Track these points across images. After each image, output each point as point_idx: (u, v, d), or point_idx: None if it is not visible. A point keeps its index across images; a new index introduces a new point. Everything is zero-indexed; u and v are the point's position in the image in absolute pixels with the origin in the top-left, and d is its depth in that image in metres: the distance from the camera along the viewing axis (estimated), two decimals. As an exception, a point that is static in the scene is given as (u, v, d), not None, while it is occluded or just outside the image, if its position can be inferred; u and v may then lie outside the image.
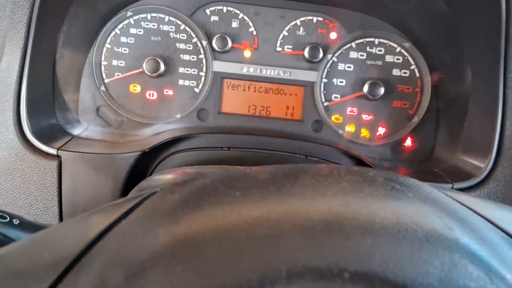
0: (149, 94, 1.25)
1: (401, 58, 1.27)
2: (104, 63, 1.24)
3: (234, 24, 1.26)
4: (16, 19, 1.01)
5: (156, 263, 0.34)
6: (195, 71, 1.26)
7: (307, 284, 0.30)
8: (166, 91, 1.26)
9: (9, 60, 1.03)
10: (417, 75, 1.27)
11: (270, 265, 0.31)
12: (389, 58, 1.27)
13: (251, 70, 1.25)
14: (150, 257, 0.35)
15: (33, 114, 1.05)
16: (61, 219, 1.05)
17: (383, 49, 1.27)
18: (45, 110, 1.12)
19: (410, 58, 1.27)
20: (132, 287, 0.33)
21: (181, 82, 1.26)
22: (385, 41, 1.26)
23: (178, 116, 1.25)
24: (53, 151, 1.03)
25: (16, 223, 0.67)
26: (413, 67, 1.27)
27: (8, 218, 0.66)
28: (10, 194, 1.03)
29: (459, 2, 1.08)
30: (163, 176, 0.99)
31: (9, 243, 0.65)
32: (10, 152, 1.02)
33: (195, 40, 1.25)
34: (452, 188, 1.04)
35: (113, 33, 1.24)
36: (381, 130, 1.28)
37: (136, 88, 1.25)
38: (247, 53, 1.26)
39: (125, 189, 1.06)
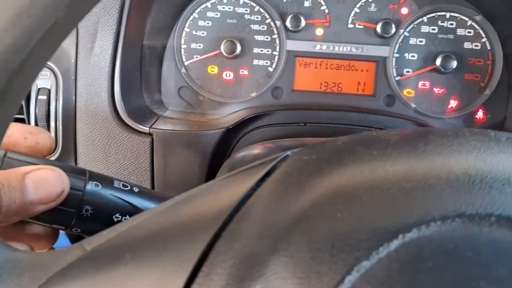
0: (226, 75, 1.31)
1: (472, 31, 1.27)
2: (183, 46, 1.30)
3: (307, 3, 1.29)
4: (109, 5, 1.09)
5: (317, 211, 0.39)
6: (269, 51, 1.30)
7: (458, 226, 0.35)
8: (242, 71, 1.30)
9: (102, 45, 1.10)
10: (488, 47, 1.27)
11: (424, 211, 0.36)
12: (460, 32, 1.27)
13: (324, 47, 1.29)
14: (309, 207, 0.40)
15: (125, 96, 1.13)
16: (153, 192, 1.13)
17: (454, 23, 1.27)
18: (135, 92, 1.20)
19: (481, 31, 1.27)
20: (296, 233, 0.38)
21: (255, 62, 1.30)
22: (456, 15, 1.27)
23: (253, 94, 1.30)
24: (145, 129, 1.11)
25: (137, 190, 0.72)
26: (484, 39, 1.27)
27: (129, 187, 0.71)
28: (106, 171, 1.12)
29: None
30: (250, 152, 1.05)
31: (134, 209, 0.71)
32: (106, 131, 1.11)
33: (268, 20, 1.29)
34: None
35: (191, 17, 1.29)
36: (453, 103, 1.29)
37: (214, 69, 1.31)
38: (319, 31, 1.29)
39: (211, 164, 1.13)
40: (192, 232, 0.42)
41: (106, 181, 0.67)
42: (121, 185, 0.70)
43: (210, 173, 1.13)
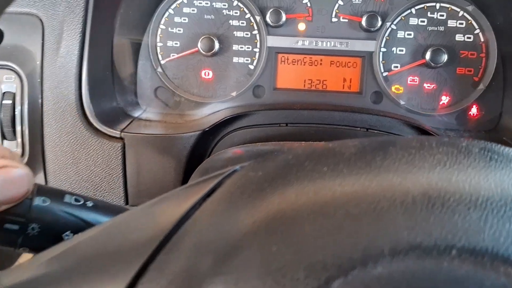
0: (205, 73, 1.25)
1: (464, 22, 1.20)
2: (159, 44, 1.24)
3: None
4: (73, 2, 1.03)
5: (250, 242, 0.33)
6: (249, 48, 1.24)
7: (412, 262, 0.29)
8: (221, 69, 1.25)
9: (69, 45, 1.04)
10: (482, 39, 1.20)
11: (372, 243, 0.30)
12: (451, 23, 1.20)
13: (306, 43, 1.23)
14: (243, 236, 0.34)
15: (94, 98, 1.07)
16: (126, 200, 1.07)
17: (445, 14, 1.20)
18: (106, 93, 1.14)
19: (474, 22, 1.20)
20: (225, 268, 0.32)
21: (235, 59, 1.24)
22: (447, 5, 1.20)
23: (234, 94, 1.25)
24: (116, 133, 1.05)
25: (90, 205, 0.67)
26: (477, 31, 1.20)
27: (82, 201, 0.66)
28: (76, 177, 1.07)
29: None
30: (224, 156, 0.99)
31: (87, 226, 0.66)
32: (74, 136, 1.05)
33: (248, 16, 1.23)
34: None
35: (167, 13, 1.23)
36: (445, 99, 1.22)
37: (191, 68, 1.25)
38: (302, 26, 1.23)
39: (187, 168, 1.08)
40: (119, 263, 0.38)
41: (56, 196, 0.62)
42: (73, 199, 0.64)
43: (186, 178, 1.08)
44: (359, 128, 1.10)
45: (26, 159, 1.07)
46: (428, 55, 1.18)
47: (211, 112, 1.24)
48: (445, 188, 0.33)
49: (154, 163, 1.07)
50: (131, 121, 1.15)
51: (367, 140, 0.46)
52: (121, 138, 1.05)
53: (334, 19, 1.23)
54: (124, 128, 1.09)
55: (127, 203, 1.08)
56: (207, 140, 1.10)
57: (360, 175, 0.36)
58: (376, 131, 1.09)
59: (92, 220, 0.64)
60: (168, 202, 0.46)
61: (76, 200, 0.64)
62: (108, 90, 1.14)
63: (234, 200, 0.39)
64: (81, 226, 0.63)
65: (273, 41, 1.23)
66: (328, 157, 0.40)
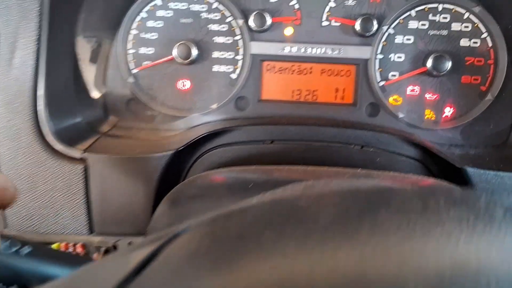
0: (182, 84, 1.14)
1: (470, 25, 1.09)
2: (131, 51, 1.13)
3: None
4: (26, 7, 0.91)
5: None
6: (231, 55, 1.13)
7: None
8: (200, 79, 1.14)
9: (23, 55, 0.93)
10: (490, 44, 1.09)
11: None
12: (455, 26, 1.09)
13: (294, 49, 1.11)
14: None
15: (53, 114, 0.95)
16: (90, 228, 0.96)
17: (448, 16, 1.09)
18: (68, 108, 1.02)
19: (480, 25, 1.08)
20: None
21: (216, 68, 1.13)
22: (451, 6, 1.08)
23: (214, 106, 1.13)
24: (77, 154, 0.94)
25: (25, 252, 0.58)
26: (484, 35, 1.09)
27: (17, 247, 0.57)
28: (34, 204, 0.96)
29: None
30: (200, 182, 0.87)
31: (19, 279, 0.57)
32: (31, 157, 0.93)
33: (229, 19, 1.12)
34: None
35: (139, 17, 1.12)
36: (448, 111, 1.11)
37: (167, 78, 1.13)
38: (289, 30, 1.12)
39: (160, 193, 0.96)
40: None
41: None
42: (5, 246, 0.55)
43: (158, 203, 0.95)
44: (353, 145, 0.99)
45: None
46: (429, 62, 1.07)
47: (189, 126, 1.13)
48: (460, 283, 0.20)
49: (122, 187, 0.96)
50: (98, 138, 1.04)
51: (350, 192, 0.33)
52: (83, 160, 0.93)
53: (325, 23, 1.12)
54: (88, 147, 0.97)
55: (91, 231, 0.96)
56: (183, 160, 0.99)
57: (337, 255, 0.24)
58: (372, 149, 0.98)
59: (28, 269, 0.58)
60: (97, 274, 0.38)
61: (11, 245, 0.57)
62: (70, 104, 1.02)
63: (177, 275, 0.32)
64: (12, 277, 0.57)
65: (257, 47, 1.12)
66: (295, 224, 0.28)
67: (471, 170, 0.92)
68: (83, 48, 1.04)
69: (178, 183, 0.99)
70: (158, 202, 0.95)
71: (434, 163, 0.98)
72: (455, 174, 0.94)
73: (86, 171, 0.94)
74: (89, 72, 1.07)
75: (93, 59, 1.08)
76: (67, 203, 0.95)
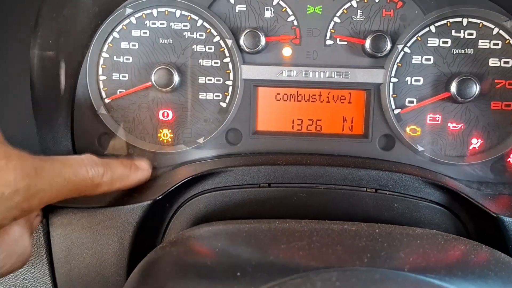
0: (163, 114, 1.01)
1: (500, 42, 0.99)
2: (102, 78, 1.00)
3: (268, 14, 1.00)
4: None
5: None
6: (219, 80, 1.01)
7: None
8: (184, 109, 1.01)
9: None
10: (524, 64, 0.99)
11: None
12: (483, 44, 0.99)
13: (293, 73, 0.99)
14: None
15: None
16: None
17: (474, 32, 0.99)
18: (24, 148, 0.87)
19: (512, 42, 0.99)
20: None
21: (202, 95, 1.01)
22: (477, 21, 0.99)
23: (201, 140, 1.01)
24: (35, 207, 0.79)
25: None
26: (517, 53, 0.98)
27: None
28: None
29: None
30: (181, 250, 0.71)
31: None
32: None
33: (217, 39, 1.00)
34: None
35: (110, 37, 1.00)
36: (476, 143, 1.00)
37: (145, 108, 1.00)
38: (287, 51, 1.00)
39: (135, 250, 0.83)
40: None
41: None
42: None
43: (133, 265, 0.81)
44: (365, 189, 0.86)
45: None
46: (453, 87, 0.98)
47: (172, 164, 1.01)
48: None
49: (89, 245, 0.83)
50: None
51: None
52: (44, 214, 0.80)
53: (328, 42, 1.01)
54: (47, 198, 0.82)
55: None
56: (162, 211, 0.86)
57: None
58: (388, 193, 0.84)
59: None
60: None
61: None
62: (27, 144, 0.87)
63: None
64: None
65: (250, 71, 1.00)
66: None
67: (509, 221, 0.78)
68: (41, 76, 0.89)
69: (157, 239, 0.86)
70: (133, 262, 0.82)
71: (462, 208, 0.83)
72: (488, 223, 0.79)
73: (47, 227, 0.82)
74: (49, 104, 0.92)
75: (55, 89, 0.93)
76: (28, 264, 0.83)
